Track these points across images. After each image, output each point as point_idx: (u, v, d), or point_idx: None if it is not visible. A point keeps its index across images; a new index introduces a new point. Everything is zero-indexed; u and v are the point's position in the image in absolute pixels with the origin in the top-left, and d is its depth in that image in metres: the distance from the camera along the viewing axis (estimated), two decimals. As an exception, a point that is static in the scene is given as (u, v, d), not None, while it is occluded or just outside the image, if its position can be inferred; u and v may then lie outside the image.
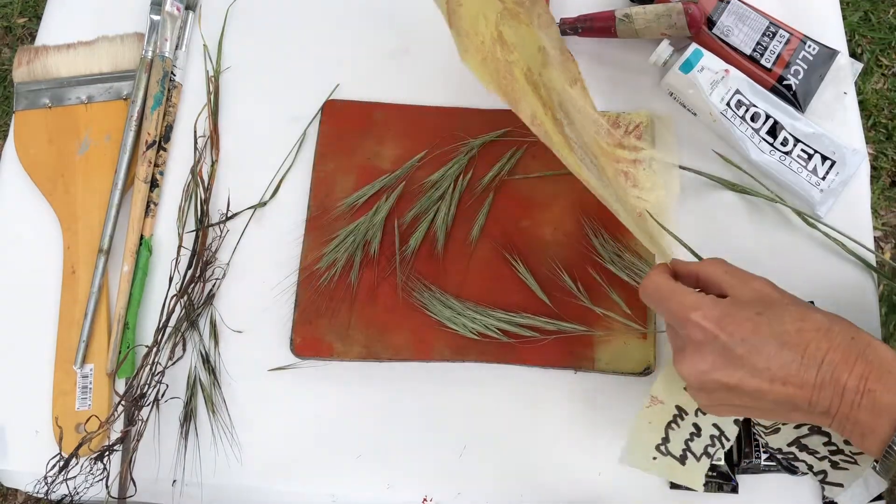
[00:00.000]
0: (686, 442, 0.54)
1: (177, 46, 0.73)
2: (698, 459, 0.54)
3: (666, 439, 0.54)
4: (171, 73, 0.72)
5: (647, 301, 0.51)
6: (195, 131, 0.71)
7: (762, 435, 0.55)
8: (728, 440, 0.54)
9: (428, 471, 0.61)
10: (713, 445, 0.54)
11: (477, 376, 0.62)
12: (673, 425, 0.54)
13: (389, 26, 0.74)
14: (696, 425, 0.54)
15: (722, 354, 0.44)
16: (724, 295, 0.47)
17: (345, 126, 0.69)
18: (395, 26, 0.74)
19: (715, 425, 0.54)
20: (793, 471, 0.57)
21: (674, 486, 0.59)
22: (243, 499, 0.62)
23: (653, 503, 0.59)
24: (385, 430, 0.62)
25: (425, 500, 0.60)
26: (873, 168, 1.39)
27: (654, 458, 0.54)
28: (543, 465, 0.60)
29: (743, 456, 0.58)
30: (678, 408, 0.54)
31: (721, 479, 0.57)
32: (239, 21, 0.76)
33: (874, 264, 0.63)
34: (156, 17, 0.73)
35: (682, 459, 0.54)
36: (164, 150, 0.71)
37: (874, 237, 0.75)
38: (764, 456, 0.57)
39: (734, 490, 0.57)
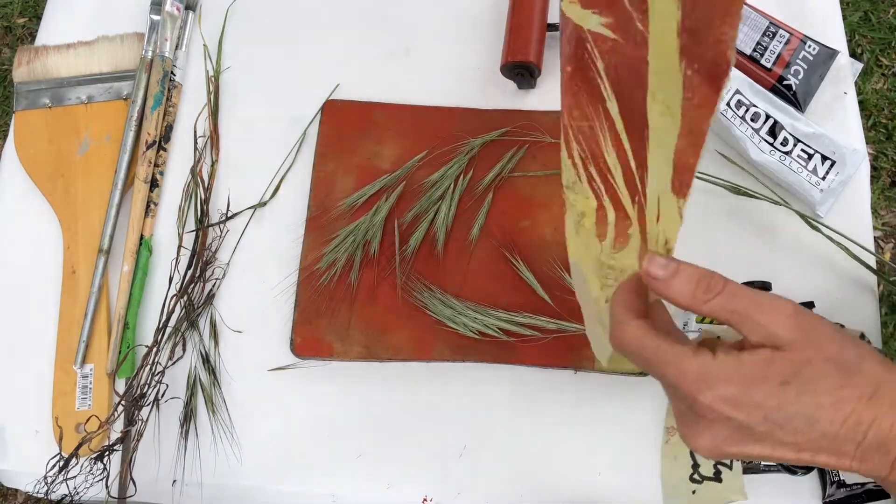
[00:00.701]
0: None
1: (177, 46, 0.73)
2: (731, 468, 0.51)
3: (696, 465, 0.51)
4: (171, 73, 0.72)
5: (627, 356, 0.39)
6: (195, 131, 0.71)
7: None
8: None
9: (428, 471, 0.61)
10: None
11: (477, 376, 0.62)
12: None
13: (389, 26, 0.74)
14: None
15: (739, 430, 0.36)
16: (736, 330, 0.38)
17: (345, 126, 0.69)
18: (395, 26, 0.74)
19: None
20: (793, 471, 0.57)
21: (674, 486, 0.59)
22: (243, 499, 0.62)
23: (653, 503, 0.59)
24: (385, 430, 0.62)
25: (425, 500, 0.60)
26: (873, 168, 1.39)
27: (694, 492, 0.51)
28: (543, 465, 0.60)
29: (743, 456, 0.58)
30: None
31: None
32: (239, 21, 0.76)
33: (874, 266, 0.63)
34: (156, 17, 0.73)
35: (717, 477, 0.50)
36: (164, 150, 0.71)
37: (874, 237, 0.75)
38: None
39: (734, 490, 0.57)
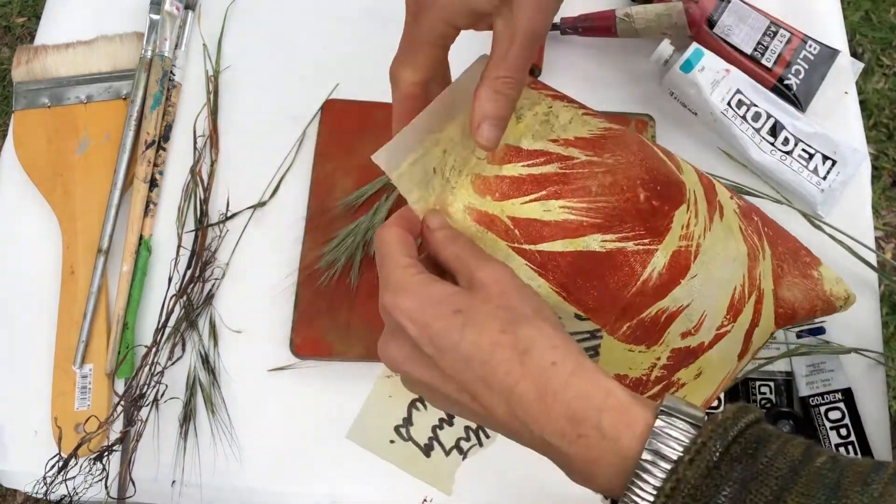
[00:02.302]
0: (434, 429, 0.44)
1: (176, 46, 0.73)
2: (447, 454, 0.45)
3: (409, 421, 0.44)
4: (171, 72, 0.72)
5: (376, 245, 0.41)
6: (195, 131, 0.71)
7: None
8: (488, 437, 0.45)
9: (428, 471, 0.61)
10: (468, 439, 0.45)
11: (477, 376, 0.62)
12: (419, 405, 0.44)
13: (389, 26, 0.74)
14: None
15: (413, 348, 0.37)
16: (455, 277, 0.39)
17: (345, 126, 0.69)
18: (395, 26, 0.74)
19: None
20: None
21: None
22: (242, 499, 0.61)
23: None
24: (385, 431, 0.62)
25: (425, 500, 0.60)
26: (874, 168, 1.39)
27: (392, 442, 0.45)
28: (543, 464, 0.60)
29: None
30: None
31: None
32: (238, 21, 0.75)
33: (875, 264, 0.63)
34: (155, 17, 0.73)
35: (426, 450, 0.45)
36: (164, 149, 0.71)
37: (875, 237, 0.75)
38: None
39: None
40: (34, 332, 0.66)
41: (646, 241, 0.41)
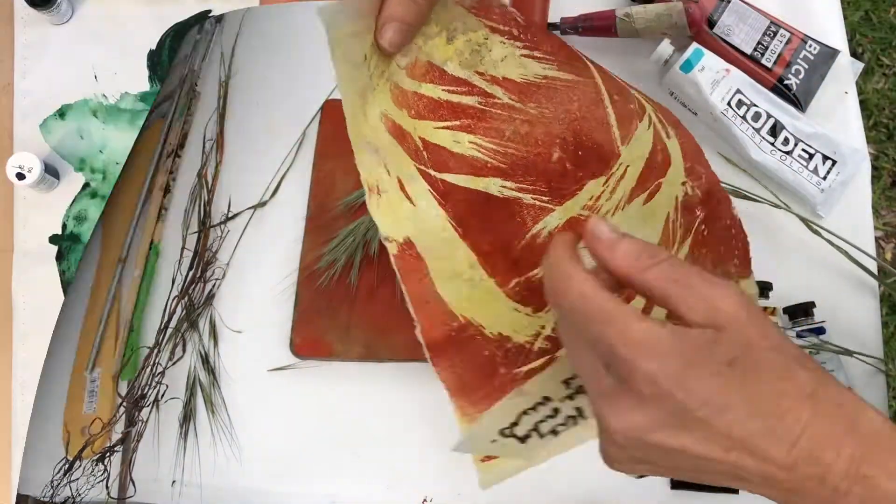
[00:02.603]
0: (537, 424, 0.45)
1: (203, 58, 0.73)
2: (542, 437, 0.45)
3: (515, 423, 0.45)
4: (195, 83, 0.72)
5: (560, 309, 0.36)
6: (204, 135, 0.71)
7: None
8: (585, 418, 0.45)
9: (428, 471, 0.61)
10: (564, 425, 0.45)
11: (477, 376, 0.62)
12: (530, 412, 0.44)
13: (389, 26, 0.74)
14: (555, 409, 0.44)
15: (673, 414, 0.32)
16: (672, 308, 0.34)
17: (345, 126, 0.69)
18: (395, 26, 0.74)
19: (578, 408, 0.44)
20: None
21: (675, 485, 0.58)
22: (242, 500, 0.62)
23: (654, 503, 0.59)
24: (385, 431, 0.62)
25: (425, 500, 0.60)
26: (874, 168, 1.39)
27: (494, 441, 0.45)
28: (543, 464, 0.60)
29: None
30: (545, 398, 0.44)
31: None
32: (248, 27, 0.75)
33: (874, 269, 0.63)
34: (198, 37, 0.73)
35: (524, 439, 0.45)
36: (179, 156, 0.71)
37: (875, 237, 0.75)
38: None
39: (734, 490, 0.57)
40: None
41: (545, 198, 0.41)
